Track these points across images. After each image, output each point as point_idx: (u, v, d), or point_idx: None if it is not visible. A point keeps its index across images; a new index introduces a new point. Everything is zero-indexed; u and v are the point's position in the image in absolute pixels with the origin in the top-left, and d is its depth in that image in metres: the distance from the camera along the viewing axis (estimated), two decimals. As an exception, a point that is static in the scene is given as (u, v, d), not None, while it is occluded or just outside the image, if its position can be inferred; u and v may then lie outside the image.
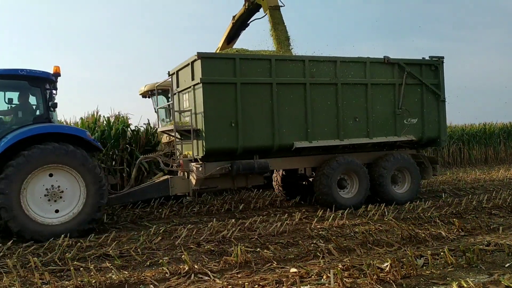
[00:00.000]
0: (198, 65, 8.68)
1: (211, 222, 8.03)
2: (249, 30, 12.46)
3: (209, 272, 5.18)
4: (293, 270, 5.18)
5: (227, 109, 8.72)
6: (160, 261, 5.72)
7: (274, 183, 11.47)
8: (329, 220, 8.05)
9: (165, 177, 9.49)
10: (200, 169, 8.92)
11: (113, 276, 5.13)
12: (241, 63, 8.83)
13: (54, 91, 8.13)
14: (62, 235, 7.04)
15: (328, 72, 9.60)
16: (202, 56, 8.62)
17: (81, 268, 5.37)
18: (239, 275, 5.14)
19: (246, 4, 11.64)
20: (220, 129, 8.67)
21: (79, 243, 6.69)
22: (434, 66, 10.75)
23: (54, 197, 7.44)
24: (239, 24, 12.31)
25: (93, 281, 4.92)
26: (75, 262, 5.74)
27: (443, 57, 10.89)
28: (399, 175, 10.37)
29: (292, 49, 10.38)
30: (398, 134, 10.26)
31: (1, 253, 6.22)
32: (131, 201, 9.68)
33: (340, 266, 5.11)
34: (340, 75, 9.65)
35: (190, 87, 9.08)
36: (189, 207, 10.22)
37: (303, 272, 5.02)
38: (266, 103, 9.03)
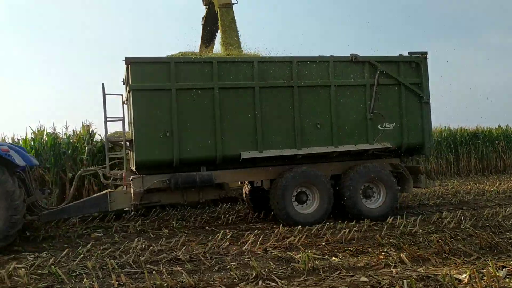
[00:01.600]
0: (129, 70, 8.11)
1: (278, 228, 8.01)
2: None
3: (277, 279, 5.16)
4: (363, 279, 5.02)
5: (161, 118, 8.04)
6: (229, 266, 5.79)
7: (244, 196, 10.73)
8: (401, 228, 7.73)
9: (105, 191, 8.99)
10: (137, 183, 8.26)
11: (184, 280, 5.26)
12: (176, 67, 8.13)
13: None
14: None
15: (283, 74, 8.66)
16: (131, 61, 8.01)
17: (153, 271, 5.57)
18: (307, 282, 5.07)
19: (204, 4, 11.56)
20: (152, 140, 8.00)
21: (151, 247, 6.94)
22: (415, 63, 9.47)
23: None
24: (209, 26, 11.74)
25: (165, 284, 5.08)
26: (148, 265, 5.96)
27: (426, 53, 9.58)
28: (373, 188, 9.15)
29: (243, 51, 9.54)
30: (370, 142, 9.05)
31: (82, 255, 6.60)
32: (66, 217, 9.25)
33: (414, 276, 4.88)
34: (297, 76, 8.67)
35: (128, 94, 8.59)
36: (252, 214, 10.26)
37: (374, 282, 4.85)
38: (206, 109, 8.25)
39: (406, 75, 9.35)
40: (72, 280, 5.49)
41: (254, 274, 5.31)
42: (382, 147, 9.05)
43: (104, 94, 8.47)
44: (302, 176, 8.65)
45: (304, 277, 5.25)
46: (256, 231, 8.06)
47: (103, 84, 8.29)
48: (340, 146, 8.87)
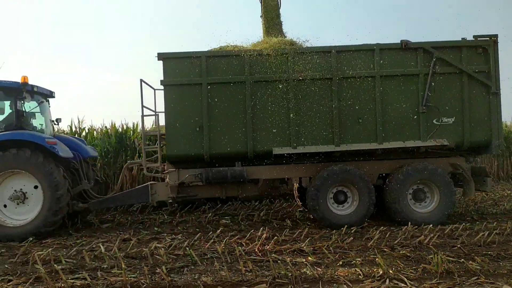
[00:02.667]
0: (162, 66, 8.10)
1: (406, 226, 7.59)
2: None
3: (406, 279, 4.89)
4: (506, 287, 4.50)
5: (192, 112, 8.01)
6: (353, 262, 5.66)
7: (294, 193, 10.43)
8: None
9: (147, 183, 9.09)
10: (172, 176, 8.36)
11: (308, 272, 5.28)
12: (207, 61, 8.02)
13: (23, 100, 8.29)
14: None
15: (320, 65, 8.04)
16: (163, 56, 8.03)
17: (278, 261, 5.70)
18: (439, 286, 4.72)
19: None
20: (183, 134, 8.00)
21: (275, 237, 7.10)
22: (482, 48, 8.16)
23: (18, 200, 7.93)
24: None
25: (289, 274, 5.16)
26: (273, 255, 6.11)
27: (495, 36, 8.18)
28: (426, 190, 8.24)
29: (285, 36, 9.04)
30: (423, 138, 8.07)
31: (212, 240, 7.04)
32: (112, 206, 9.87)
33: None
34: (336, 67, 8.03)
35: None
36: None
37: (521, 292, 4.32)
38: (237, 104, 8.03)
39: (470, 62, 8.18)
40: (204, 263, 5.89)
41: (381, 272, 5.11)
42: (437, 144, 8.03)
43: (141, 90, 8.43)
44: (338, 175, 8.07)
45: (437, 280, 4.90)
46: (382, 227, 7.75)
47: (141, 80, 8.42)
48: (385, 143, 8.07)
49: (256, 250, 6.38)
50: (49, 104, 9.35)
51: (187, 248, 6.45)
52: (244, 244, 6.85)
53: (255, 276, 5.18)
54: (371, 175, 8.32)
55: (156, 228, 8.49)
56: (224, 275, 5.21)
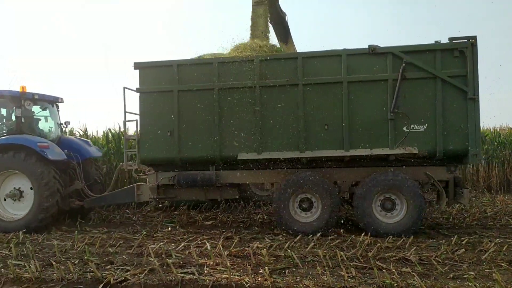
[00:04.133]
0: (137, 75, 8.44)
1: (526, 239, 6.90)
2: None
3: (529, 299, 4.44)
4: None
5: (164, 118, 8.29)
6: (466, 275, 5.28)
7: None
8: None
9: (134, 184, 9.48)
10: (151, 178, 8.71)
11: (415, 283, 5.03)
12: (178, 69, 8.26)
13: (23, 108, 9.26)
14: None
15: (287, 71, 7.94)
16: (139, 66, 8.40)
17: (383, 269, 5.51)
18: None
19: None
20: (155, 139, 8.32)
21: (378, 243, 6.88)
22: (459, 51, 7.52)
23: (15, 198, 8.97)
24: (276, 24, 11.06)
25: (395, 284, 4.97)
26: (376, 262, 5.92)
27: (474, 38, 7.52)
28: (395, 200, 7.77)
29: (273, 45, 9.22)
30: (391, 146, 7.61)
31: (312, 243, 7.02)
32: (103, 205, 10.33)
33: None
34: (302, 74, 7.85)
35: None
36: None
37: None
38: (205, 110, 8.19)
39: (445, 67, 7.61)
40: (306, 266, 5.89)
41: (499, 289, 4.70)
42: (406, 153, 7.56)
43: (124, 97, 8.66)
44: (303, 182, 7.89)
45: None
46: (498, 239, 7.12)
47: (124, 87, 8.64)
48: (352, 150, 7.75)
49: (358, 256, 6.23)
50: (58, 108, 10.38)
51: (288, 250, 6.52)
52: (345, 248, 6.74)
53: (358, 284, 5.07)
54: (344, 183, 8.17)
55: (256, 228, 8.70)
56: (326, 280, 5.17)
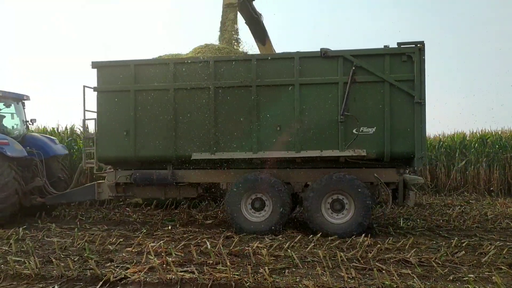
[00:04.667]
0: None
1: (526, 242, 6.89)
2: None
3: (529, 303, 4.43)
4: None
5: (121, 117, 8.40)
6: (465, 278, 5.29)
7: None
8: None
9: (94, 182, 9.51)
10: (110, 177, 8.83)
11: (415, 285, 5.03)
12: (135, 69, 8.35)
13: None
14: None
15: (241, 73, 8.04)
16: (96, 65, 8.50)
17: (383, 271, 5.51)
18: None
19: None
20: (112, 138, 8.45)
21: (378, 245, 6.88)
22: (407, 56, 7.63)
23: None
24: (252, 26, 11.59)
25: (395, 285, 4.97)
26: (376, 263, 5.92)
27: (421, 43, 7.63)
28: (344, 200, 7.88)
29: (242, 48, 9.77)
30: (341, 148, 7.73)
31: (313, 243, 7.02)
32: (64, 203, 10.29)
33: None
34: (256, 75, 7.97)
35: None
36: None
37: None
38: (161, 110, 8.29)
39: (393, 71, 7.72)
40: (305, 266, 5.89)
41: (499, 292, 4.69)
42: (354, 155, 7.70)
43: (84, 95, 8.74)
44: (255, 182, 8.05)
45: None
46: (498, 242, 7.11)
47: (84, 86, 8.69)
48: (303, 152, 7.87)
49: (358, 257, 6.23)
50: (24, 106, 10.48)
51: (288, 250, 6.52)
52: (345, 249, 6.74)
53: (357, 284, 5.07)
54: (298, 184, 8.27)
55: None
56: (326, 280, 5.17)
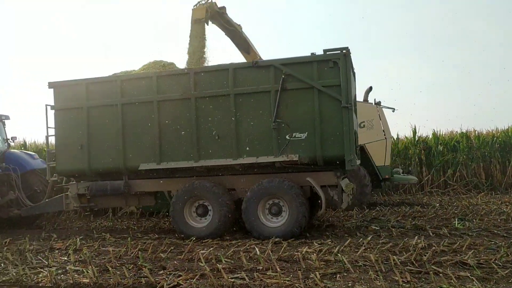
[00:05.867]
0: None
1: None
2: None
3: None
4: None
5: (76, 133, 9.01)
6: (530, 279, 4.98)
7: None
8: None
9: (62, 194, 9.86)
10: (72, 188, 9.32)
11: (474, 288, 4.81)
12: (87, 87, 8.95)
13: None
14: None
15: (181, 86, 8.51)
16: (52, 85, 9.17)
17: (440, 274, 5.30)
18: None
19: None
20: (69, 152, 9.04)
21: (433, 247, 6.64)
22: (333, 62, 7.82)
23: None
24: (227, 35, 12.22)
25: (453, 289, 4.76)
26: (431, 266, 5.71)
27: (346, 49, 7.85)
28: (280, 204, 8.15)
29: (207, 62, 10.49)
30: (275, 154, 7.99)
31: (363, 247, 6.87)
32: (37, 213, 10.57)
33: None
34: (194, 88, 8.41)
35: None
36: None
37: None
38: (110, 125, 8.86)
39: (320, 77, 7.92)
40: (357, 270, 5.77)
41: None
42: (287, 160, 7.88)
43: (46, 113, 9.34)
44: (192, 190, 8.46)
45: None
46: None
47: (46, 105, 9.30)
48: (240, 159, 8.17)
49: (412, 260, 6.03)
50: (4, 125, 11.55)
51: (338, 254, 6.41)
52: (397, 252, 6.54)
53: (413, 288, 4.90)
54: (241, 189, 8.47)
55: (304, 233, 8.62)
56: (380, 284, 5.03)
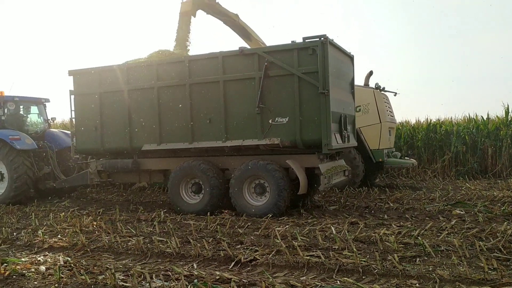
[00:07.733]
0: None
1: None
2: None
3: None
4: None
5: (91, 116, 10.10)
6: None
7: None
8: None
9: (87, 169, 10.91)
10: (92, 165, 10.47)
11: None
12: (100, 75, 9.98)
13: (6, 108, 12.01)
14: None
15: (177, 73, 9.24)
16: (72, 73, 10.36)
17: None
18: None
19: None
20: (86, 133, 10.21)
21: (524, 234, 6.17)
22: (312, 49, 8.09)
23: None
24: (225, 23, 12.69)
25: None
26: (522, 254, 5.32)
27: (324, 36, 8.05)
28: (265, 184, 8.65)
29: (188, 51, 11.08)
30: (259, 137, 8.55)
31: (446, 231, 6.57)
32: (66, 186, 11.84)
33: None
34: (189, 75, 9.12)
35: None
36: None
37: None
38: (120, 109, 9.80)
39: (300, 64, 8.30)
40: (438, 255, 5.54)
41: None
42: (269, 143, 8.43)
43: (70, 99, 10.45)
44: (188, 169, 9.20)
45: None
46: None
47: (70, 90, 10.41)
48: (228, 142, 8.81)
49: (500, 246, 5.66)
50: (45, 107, 12.97)
51: (419, 238, 6.20)
52: (484, 238, 6.18)
53: (500, 276, 4.61)
54: (233, 169, 8.97)
55: (382, 215, 8.43)
56: (463, 270, 4.79)
